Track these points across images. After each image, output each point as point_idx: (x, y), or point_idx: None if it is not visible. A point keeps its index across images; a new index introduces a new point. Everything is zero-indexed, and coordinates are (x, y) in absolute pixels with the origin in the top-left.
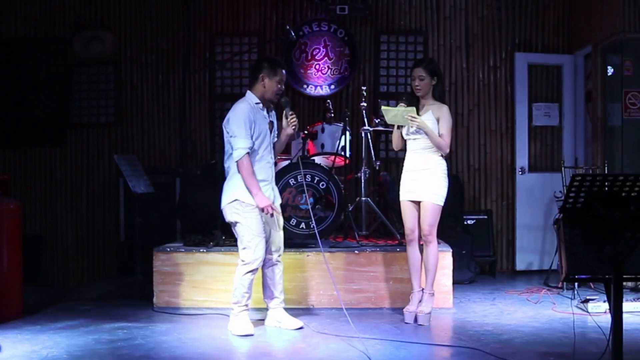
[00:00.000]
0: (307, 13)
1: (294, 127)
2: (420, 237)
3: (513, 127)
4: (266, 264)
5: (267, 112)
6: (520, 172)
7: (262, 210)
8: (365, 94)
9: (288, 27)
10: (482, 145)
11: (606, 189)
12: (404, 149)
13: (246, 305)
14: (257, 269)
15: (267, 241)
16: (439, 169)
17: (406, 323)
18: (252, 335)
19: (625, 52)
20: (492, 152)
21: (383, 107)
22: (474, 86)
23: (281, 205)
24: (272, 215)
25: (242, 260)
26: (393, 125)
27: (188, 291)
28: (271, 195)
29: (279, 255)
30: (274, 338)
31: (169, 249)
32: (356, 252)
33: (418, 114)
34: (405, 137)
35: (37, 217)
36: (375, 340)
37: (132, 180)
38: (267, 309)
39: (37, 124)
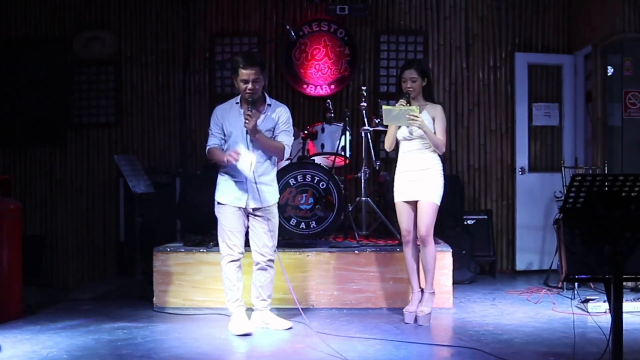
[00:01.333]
0: (307, 13)
1: (246, 126)
2: (416, 238)
3: (513, 127)
4: (255, 266)
5: (255, 110)
6: (520, 172)
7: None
8: (365, 94)
9: (288, 27)
10: (482, 145)
11: (606, 189)
12: (395, 150)
13: (238, 299)
14: (237, 259)
15: (254, 242)
16: (437, 168)
17: (406, 323)
18: (250, 334)
19: (625, 52)
20: (492, 152)
21: (384, 107)
22: (474, 86)
23: (281, 205)
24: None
25: (221, 254)
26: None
27: (188, 291)
28: (242, 196)
29: (269, 260)
30: (274, 338)
31: (169, 249)
32: (356, 252)
33: None
34: (400, 138)
35: (37, 217)
36: (375, 340)
37: (132, 180)
38: (252, 309)
39: (37, 124)
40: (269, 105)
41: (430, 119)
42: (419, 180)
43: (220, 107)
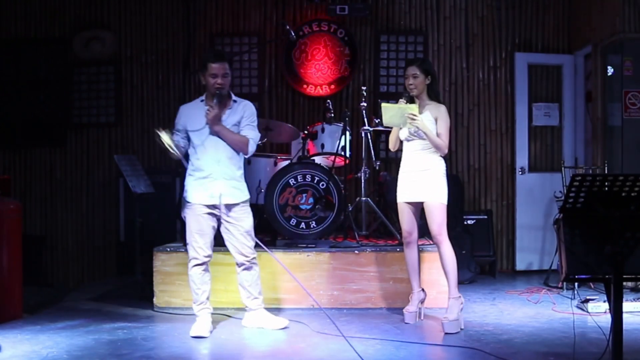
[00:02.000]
0: (307, 13)
1: (206, 116)
2: (418, 239)
3: (513, 127)
4: (239, 267)
5: (223, 109)
6: (520, 172)
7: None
8: (365, 94)
9: (288, 27)
10: (482, 145)
11: (606, 189)
12: (399, 149)
13: (203, 303)
14: (203, 263)
15: (232, 245)
16: (439, 168)
17: (406, 323)
18: (204, 337)
19: (625, 52)
20: (492, 152)
21: (383, 104)
22: (474, 86)
23: (281, 205)
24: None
25: (188, 256)
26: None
27: (188, 291)
28: (214, 193)
29: (251, 259)
30: (274, 338)
31: (169, 249)
32: (356, 252)
33: None
34: (402, 138)
35: (37, 217)
36: (375, 340)
37: (132, 180)
38: (245, 310)
39: (37, 124)
40: (235, 101)
41: (432, 119)
42: (420, 181)
43: (185, 106)
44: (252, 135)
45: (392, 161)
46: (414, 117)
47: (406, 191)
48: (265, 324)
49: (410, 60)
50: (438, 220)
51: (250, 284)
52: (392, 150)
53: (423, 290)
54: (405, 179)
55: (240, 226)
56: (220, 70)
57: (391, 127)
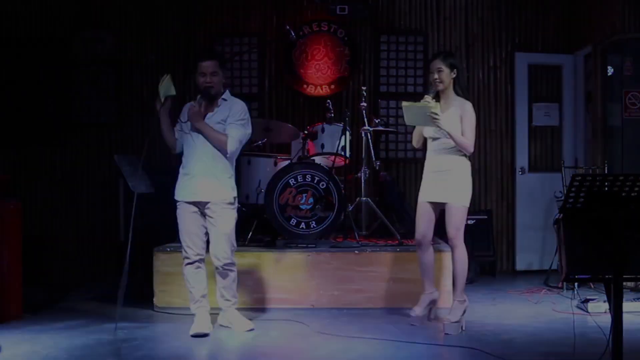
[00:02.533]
0: (307, 13)
1: (188, 113)
2: (430, 241)
3: (513, 127)
4: (215, 269)
5: (211, 107)
6: (520, 172)
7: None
8: (365, 94)
9: (288, 27)
10: (482, 145)
11: (606, 189)
12: (422, 149)
13: (199, 301)
14: (194, 261)
15: (211, 246)
16: (460, 169)
17: (412, 325)
18: (204, 335)
19: (625, 52)
20: (492, 152)
21: (404, 104)
22: (474, 86)
23: (281, 205)
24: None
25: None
26: (395, 125)
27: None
28: (193, 190)
29: (226, 265)
30: (275, 337)
31: (169, 249)
32: (356, 252)
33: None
34: (426, 136)
35: (37, 217)
36: (375, 340)
37: (132, 180)
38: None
39: (37, 124)
40: (225, 100)
41: (457, 117)
42: (442, 181)
43: (187, 104)
44: (234, 134)
45: (392, 161)
46: (436, 117)
47: (429, 191)
48: (233, 325)
49: (434, 54)
50: (456, 224)
51: (223, 286)
52: (415, 147)
53: (436, 290)
54: (429, 179)
55: (219, 227)
56: (208, 69)
57: (393, 126)
